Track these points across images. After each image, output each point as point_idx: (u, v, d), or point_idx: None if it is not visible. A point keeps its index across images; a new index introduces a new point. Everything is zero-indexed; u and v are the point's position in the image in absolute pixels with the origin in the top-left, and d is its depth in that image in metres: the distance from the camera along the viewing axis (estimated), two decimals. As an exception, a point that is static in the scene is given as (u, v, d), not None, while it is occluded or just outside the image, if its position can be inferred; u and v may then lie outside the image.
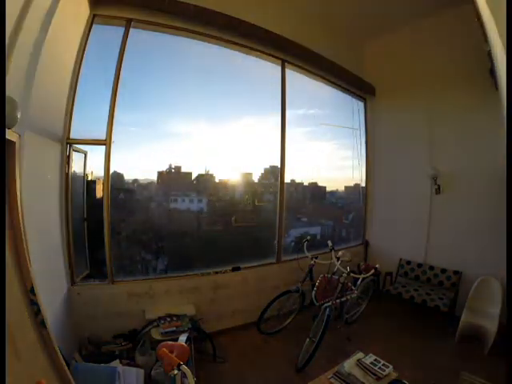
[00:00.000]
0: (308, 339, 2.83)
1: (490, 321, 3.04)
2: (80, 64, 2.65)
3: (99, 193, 3.17)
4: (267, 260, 3.92)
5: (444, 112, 4.08)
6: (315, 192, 5.65)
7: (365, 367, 1.99)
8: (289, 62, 3.89)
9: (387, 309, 3.93)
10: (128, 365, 2.43)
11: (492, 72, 2.72)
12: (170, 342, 1.40)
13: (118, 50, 2.82)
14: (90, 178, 3.21)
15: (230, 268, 3.52)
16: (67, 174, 2.63)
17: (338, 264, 3.13)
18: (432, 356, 2.94)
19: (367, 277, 3.04)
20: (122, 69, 2.82)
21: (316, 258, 3.35)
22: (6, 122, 1.37)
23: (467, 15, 2.16)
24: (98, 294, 2.83)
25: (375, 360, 2.04)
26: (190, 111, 3.89)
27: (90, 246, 3.09)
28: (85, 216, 3.06)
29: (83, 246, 3.05)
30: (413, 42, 3.87)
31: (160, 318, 2.86)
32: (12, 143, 1.54)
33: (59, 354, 1.59)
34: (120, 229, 3.47)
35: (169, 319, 2.86)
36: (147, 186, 4.23)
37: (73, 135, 2.65)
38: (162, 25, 2.99)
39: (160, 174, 4.19)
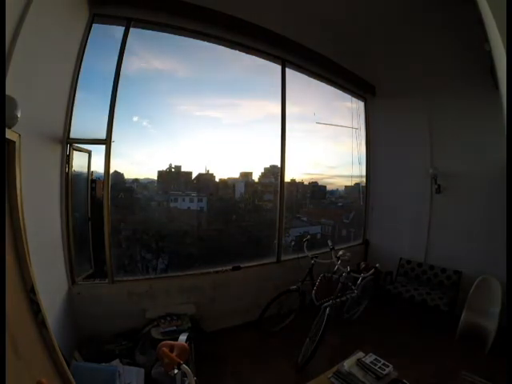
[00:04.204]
0: (308, 339, 2.83)
1: (489, 320, 3.04)
2: (80, 63, 2.64)
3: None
4: (267, 259, 3.91)
5: (444, 112, 4.07)
6: (315, 191, 5.66)
7: (365, 366, 1.99)
8: (289, 62, 3.88)
9: (387, 308, 3.93)
10: (128, 364, 2.43)
11: (492, 72, 2.72)
12: (170, 342, 1.40)
13: (117, 50, 2.82)
14: (93, 177, 3.21)
15: (231, 267, 3.51)
16: (67, 174, 2.63)
17: (338, 263, 3.13)
18: (432, 355, 2.94)
19: (367, 276, 3.05)
20: (122, 68, 2.81)
21: (316, 257, 3.35)
22: (6, 121, 1.37)
23: (468, 15, 2.16)
24: (99, 294, 2.83)
25: (375, 359, 2.04)
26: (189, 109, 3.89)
27: (94, 246, 3.09)
28: (89, 215, 3.06)
29: (87, 246, 3.05)
30: (413, 41, 3.86)
31: (160, 318, 2.87)
32: (12, 143, 1.54)
33: (59, 353, 1.59)
34: (120, 228, 3.48)
35: (169, 318, 2.87)
36: (147, 185, 4.24)
37: (73, 135, 2.65)
38: (163, 24, 2.99)
39: (160, 173, 4.19)
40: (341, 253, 3.32)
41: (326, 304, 2.87)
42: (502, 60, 1.21)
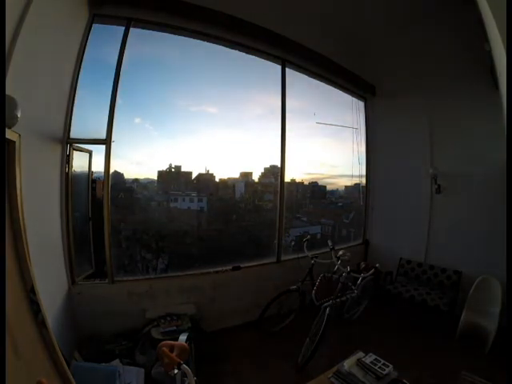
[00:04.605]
0: (308, 339, 2.83)
1: (489, 320, 3.04)
2: (80, 63, 2.64)
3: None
4: (267, 259, 3.91)
5: (444, 112, 4.07)
6: (315, 191, 5.66)
7: (365, 366, 1.98)
8: (289, 62, 3.88)
9: (387, 308, 3.93)
10: (128, 364, 2.43)
11: (492, 72, 2.72)
12: (170, 342, 1.40)
13: (117, 50, 2.82)
14: (93, 177, 3.21)
15: (231, 267, 3.51)
16: (67, 174, 2.63)
17: (338, 263, 3.13)
18: (432, 355, 2.94)
19: (367, 276, 3.04)
20: (122, 68, 2.81)
21: (316, 257, 3.35)
22: (6, 121, 1.37)
23: (468, 15, 2.16)
24: (99, 294, 2.83)
25: (375, 359, 2.04)
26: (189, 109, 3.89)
27: (95, 245, 3.09)
28: (90, 215, 3.06)
29: (88, 245, 3.05)
30: (413, 41, 3.86)
31: (160, 318, 2.87)
32: (12, 143, 1.54)
33: (59, 353, 1.59)
34: (120, 228, 3.47)
35: (169, 318, 2.87)
36: (147, 185, 4.23)
37: (73, 135, 2.65)
38: (163, 24, 2.99)
39: (160, 173, 4.19)
40: (341, 253, 3.31)
41: (326, 304, 2.87)
42: (501, 60, 1.21)
